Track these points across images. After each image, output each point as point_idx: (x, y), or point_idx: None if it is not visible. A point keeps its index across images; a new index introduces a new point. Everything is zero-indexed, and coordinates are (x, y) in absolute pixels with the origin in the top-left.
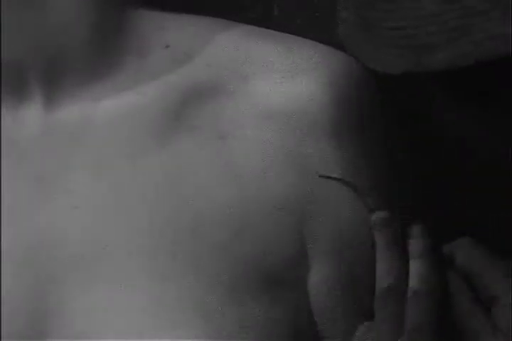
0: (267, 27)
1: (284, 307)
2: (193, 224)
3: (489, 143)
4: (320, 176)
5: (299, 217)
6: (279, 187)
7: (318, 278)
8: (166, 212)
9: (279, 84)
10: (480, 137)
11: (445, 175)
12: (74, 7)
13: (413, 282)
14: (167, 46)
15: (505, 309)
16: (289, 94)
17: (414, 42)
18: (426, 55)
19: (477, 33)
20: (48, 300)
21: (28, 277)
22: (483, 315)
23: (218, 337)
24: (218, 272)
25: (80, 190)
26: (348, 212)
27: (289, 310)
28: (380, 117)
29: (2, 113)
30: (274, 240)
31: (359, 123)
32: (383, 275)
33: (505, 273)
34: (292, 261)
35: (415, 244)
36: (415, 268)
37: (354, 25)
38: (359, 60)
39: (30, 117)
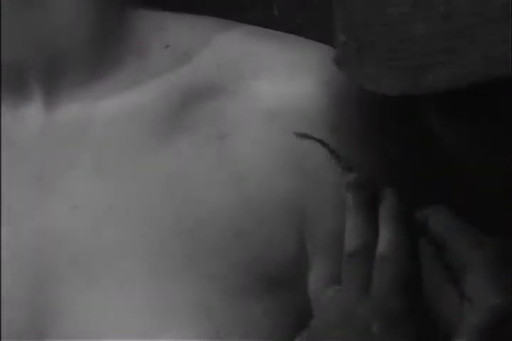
0: (267, 27)
1: (284, 307)
2: (193, 223)
3: (478, 155)
4: (296, 135)
5: (299, 217)
6: (279, 187)
7: (318, 278)
8: (166, 212)
9: (279, 84)
10: (469, 150)
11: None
12: (74, 7)
13: (381, 246)
14: (167, 46)
15: (474, 277)
16: (289, 94)
17: (409, 64)
18: (421, 76)
19: (469, 55)
20: (48, 300)
21: (28, 277)
22: (451, 283)
23: (218, 337)
24: (218, 272)
25: (80, 190)
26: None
27: (290, 310)
28: (379, 117)
29: (2, 113)
30: (274, 240)
31: (359, 123)
32: (351, 237)
33: (475, 242)
34: (292, 261)
35: (386, 208)
36: (384, 232)
37: (350, 48)
38: (355, 82)
39: (30, 117)
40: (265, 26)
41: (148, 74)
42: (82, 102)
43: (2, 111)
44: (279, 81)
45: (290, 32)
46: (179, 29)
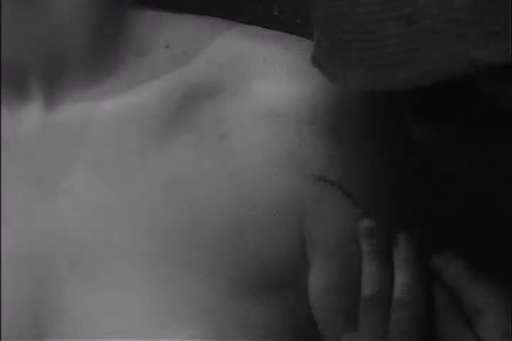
0: (267, 27)
1: (284, 307)
2: (192, 223)
3: (458, 161)
4: (314, 178)
5: (299, 217)
6: (279, 187)
7: (318, 277)
8: (166, 212)
9: (279, 83)
10: (447, 156)
11: (438, 185)
12: (74, 7)
13: (397, 291)
14: (167, 46)
15: (489, 322)
16: (288, 94)
17: (378, 62)
18: (389, 74)
19: (434, 53)
20: (48, 300)
21: (28, 277)
22: (467, 328)
23: (218, 336)
24: (219, 272)
25: (80, 190)
26: (347, 212)
27: (289, 310)
28: (378, 117)
29: (2, 113)
30: (273, 240)
31: (359, 123)
32: (367, 283)
33: (489, 287)
34: (292, 261)
35: (401, 253)
36: (399, 276)
37: (324, 46)
38: (328, 79)
39: (30, 117)
40: (265, 26)
41: (148, 74)
42: (81, 102)
43: (2, 111)
44: (279, 81)
45: (290, 32)
46: (179, 29)
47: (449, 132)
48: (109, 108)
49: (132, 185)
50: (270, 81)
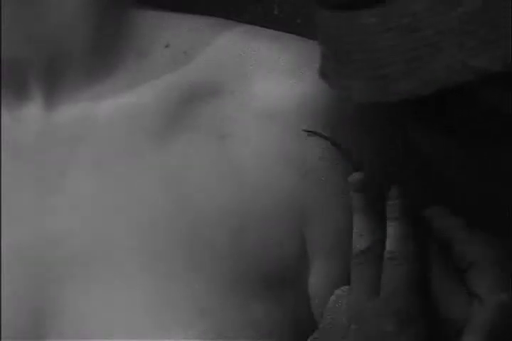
0: (267, 27)
1: (284, 307)
2: (193, 223)
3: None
4: (305, 131)
5: (299, 217)
6: (279, 187)
7: (318, 277)
8: (166, 212)
9: (279, 83)
10: (445, 158)
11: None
12: (74, 7)
13: (389, 245)
14: (167, 46)
15: (482, 274)
16: (288, 94)
17: (378, 73)
18: (389, 85)
19: (433, 62)
20: (48, 300)
21: (28, 277)
22: (459, 280)
23: (218, 336)
24: (218, 272)
25: (80, 190)
26: (346, 211)
27: (289, 310)
28: (378, 117)
29: (2, 113)
30: (274, 239)
31: (359, 123)
32: (358, 237)
33: (483, 240)
34: (292, 260)
35: (392, 207)
36: (391, 230)
37: (329, 59)
38: (333, 90)
39: (30, 117)
40: (265, 26)
41: (148, 74)
42: (82, 102)
43: (2, 111)
44: (279, 81)
45: (290, 32)
46: (179, 29)
47: (449, 138)
48: (109, 108)
49: (132, 185)
50: (270, 81)
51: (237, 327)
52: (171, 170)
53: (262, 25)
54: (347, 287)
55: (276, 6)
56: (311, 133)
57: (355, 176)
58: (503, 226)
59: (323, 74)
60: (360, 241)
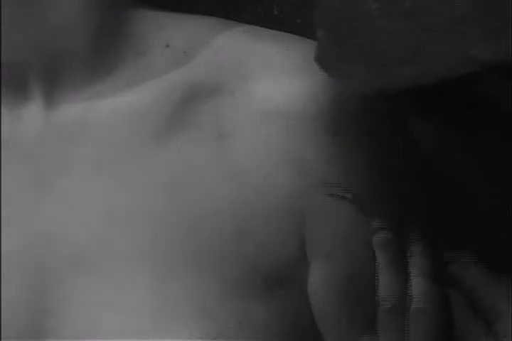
0: (267, 27)
1: (284, 307)
2: (193, 223)
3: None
4: (326, 195)
5: (299, 217)
6: (279, 187)
7: (317, 277)
8: (166, 212)
9: (279, 83)
10: (446, 155)
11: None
12: (74, 7)
13: (415, 301)
14: (167, 46)
15: (503, 323)
16: (288, 94)
17: (379, 58)
18: (389, 71)
19: (435, 51)
20: (48, 300)
21: (27, 277)
22: (486, 334)
23: (219, 336)
24: (218, 272)
25: (80, 190)
26: (346, 212)
27: (290, 310)
28: (380, 116)
29: (2, 113)
30: (274, 240)
31: (359, 122)
32: (385, 295)
33: (502, 289)
34: (292, 260)
35: (417, 262)
36: (417, 286)
37: (327, 45)
38: (331, 77)
39: (30, 117)
40: (265, 26)
41: (148, 73)
42: (82, 102)
43: (2, 111)
44: (279, 81)
45: (290, 32)
46: (179, 29)
47: (449, 132)
48: (109, 107)
49: (132, 185)
50: (270, 81)
51: (238, 327)
52: (171, 169)
53: (262, 25)
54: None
55: (276, 6)
56: (331, 195)
57: (381, 236)
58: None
59: (320, 59)
60: (385, 300)
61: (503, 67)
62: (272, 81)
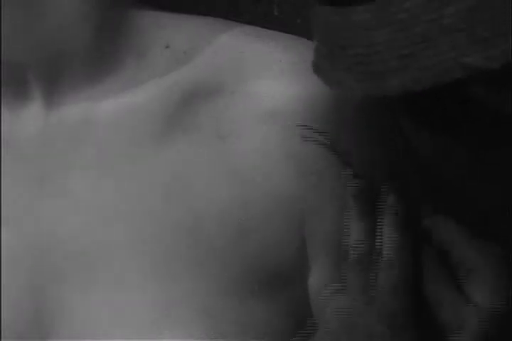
0: (267, 27)
1: (284, 307)
2: (193, 223)
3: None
4: (303, 138)
5: (299, 218)
6: (279, 187)
7: (318, 277)
8: (166, 212)
9: (279, 83)
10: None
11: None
12: (74, 7)
13: (385, 250)
14: (167, 46)
15: (480, 281)
16: (288, 94)
17: (370, 68)
18: (381, 80)
19: (425, 59)
20: (48, 300)
21: (28, 277)
22: (457, 288)
23: (219, 336)
24: (219, 272)
25: (81, 190)
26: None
27: (290, 310)
28: (378, 116)
29: (2, 113)
30: (274, 240)
31: (358, 122)
32: (355, 244)
33: (482, 247)
34: (292, 260)
35: (389, 214)
36: (388, 236)
37: (323, 52)
38: (326, 85)
39: (30, 117)
40: (265, 26)
41: (148, 74)
42: (82, 102)
43: (2, 111)
44: (279, 81)
45: (290, 32)
46: (179, 29)
47: (443, 136)
48: (110, 108)
49: (133, 185)
50: (270, 81)
51: (238, 327)
52: (172, 170)
53: (261, 26)
54: (338, 285)
55: (276, 7)
56: (308, 138)
57: (356, 183)
58: (504, 233)
59: (317, 67)
60: (355, 248)
61: (491, 74)
62: (272, 81)
